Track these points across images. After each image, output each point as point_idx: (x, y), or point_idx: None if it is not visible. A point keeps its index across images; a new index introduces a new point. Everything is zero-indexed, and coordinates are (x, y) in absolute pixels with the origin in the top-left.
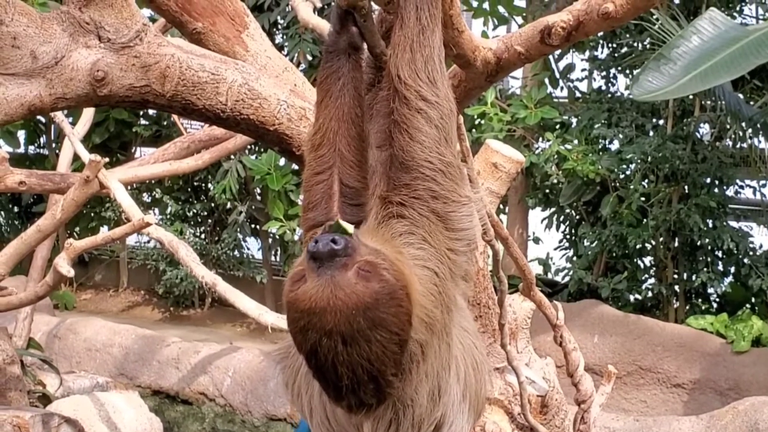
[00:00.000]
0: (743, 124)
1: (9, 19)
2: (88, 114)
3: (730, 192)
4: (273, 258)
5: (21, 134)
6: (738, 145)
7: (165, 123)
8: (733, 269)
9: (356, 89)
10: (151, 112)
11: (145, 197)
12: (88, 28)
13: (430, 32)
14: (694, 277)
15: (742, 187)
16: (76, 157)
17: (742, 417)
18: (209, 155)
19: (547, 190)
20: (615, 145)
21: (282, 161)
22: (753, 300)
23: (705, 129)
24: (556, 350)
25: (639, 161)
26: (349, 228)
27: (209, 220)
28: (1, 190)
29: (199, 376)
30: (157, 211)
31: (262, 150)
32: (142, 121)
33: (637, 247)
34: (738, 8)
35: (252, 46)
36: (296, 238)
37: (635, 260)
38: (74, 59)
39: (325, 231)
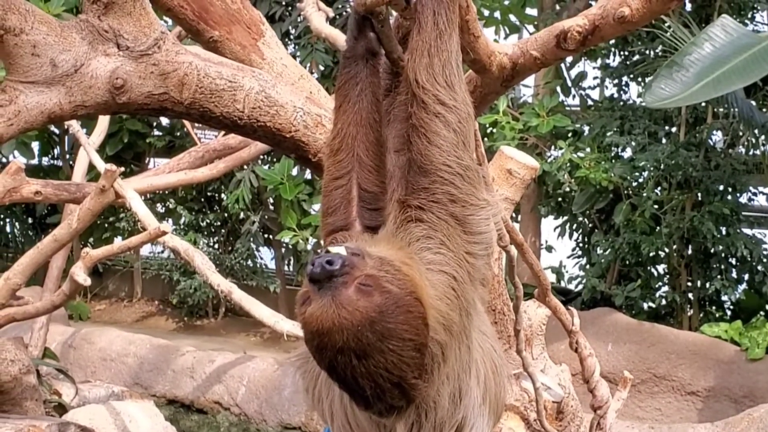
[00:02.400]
0: (756, 131)
1: (29, 27)
2: (103, 124)
3: (743, 199)
4: (286, 267)
5: (35, 145)
6: (751, 152)
7: (178, 134)
8: (746, 276)
9: (374, 94)
10: (164, 122)
11: (159, 208)
12: (107, 36)
13: (447, 37)
14: (707, 285)
15: (755, 194)
16: (91, 167)
17: (757, 424)
18: (224, 164)
19: (560, 199)
20: (627, 153)
21: (294, 171)
22: (767, 307)
23: (717, 136)
24: (569, 358)
25: (652, 169)
26: (341, 250)
27: (222, 230)
28: (17, 200)
29: (213, 385)
30: (170, 221)
31: (275, 160)
32: (156, 132)
33: (651, 254)
34: (750, 15)
35: (268, 54)
36: (309, 247)
37: (648, 268)
38: (93, 67)
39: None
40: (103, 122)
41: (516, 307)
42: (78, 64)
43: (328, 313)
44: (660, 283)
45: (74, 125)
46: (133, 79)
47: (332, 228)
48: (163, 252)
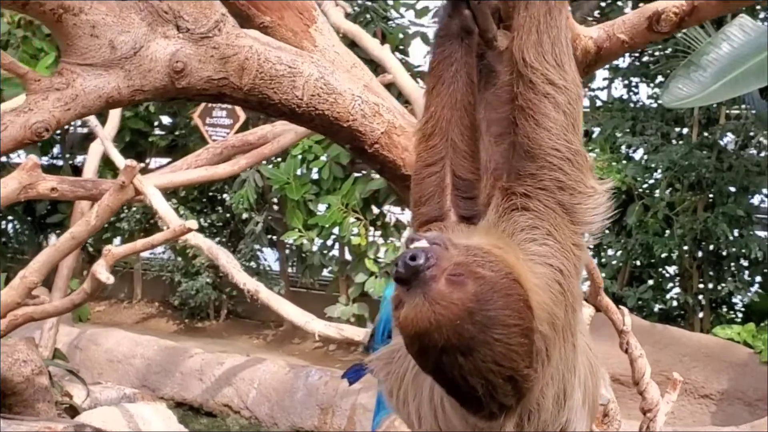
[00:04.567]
0: None
1: (88, 7)
2: (114, 119)
3: (755, 201)
4: (290, 269)
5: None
6: (763, 154)
7: (178, 133)
8: (759, 278)
9: (469, 75)
10: (166, 121)
11: None
12: (167, 17)
13: (557, 12)
14: (720, 287)
15: (767, 196)
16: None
17: None
18: (245, 160)
19: None
20: (639, 154)
21: (300, 171)
22: None
23: (730, 137)
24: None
25: (664, 170)
26: (422, 244)
27: (225, 231)
28: (32, 197)
29: (223, 387)
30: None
31: (281, 159)
32: (158, 131)
33: (663, 256)
34: (762, 16)
35: (320, 41)
36: (315, 248)
37: (660, 269)
38: (153, 50)
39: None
40: (116, 116)
41: None
42: (137, 46)
43: (422, 313)
44: (672, 285)
45: (92, 119)
46: (193, 62)
47: (426, 218)
48: (164, 253)
